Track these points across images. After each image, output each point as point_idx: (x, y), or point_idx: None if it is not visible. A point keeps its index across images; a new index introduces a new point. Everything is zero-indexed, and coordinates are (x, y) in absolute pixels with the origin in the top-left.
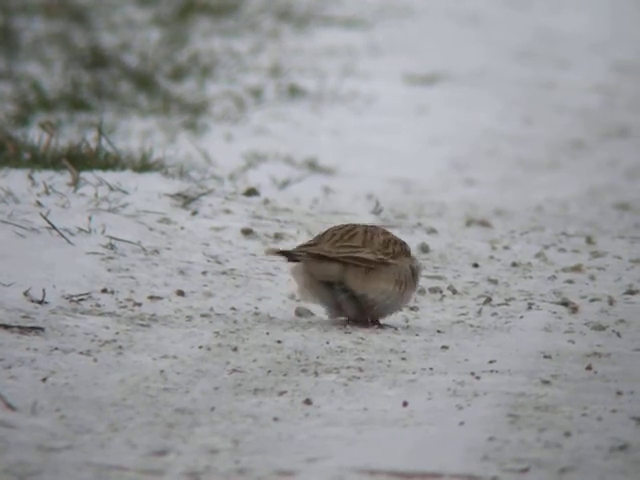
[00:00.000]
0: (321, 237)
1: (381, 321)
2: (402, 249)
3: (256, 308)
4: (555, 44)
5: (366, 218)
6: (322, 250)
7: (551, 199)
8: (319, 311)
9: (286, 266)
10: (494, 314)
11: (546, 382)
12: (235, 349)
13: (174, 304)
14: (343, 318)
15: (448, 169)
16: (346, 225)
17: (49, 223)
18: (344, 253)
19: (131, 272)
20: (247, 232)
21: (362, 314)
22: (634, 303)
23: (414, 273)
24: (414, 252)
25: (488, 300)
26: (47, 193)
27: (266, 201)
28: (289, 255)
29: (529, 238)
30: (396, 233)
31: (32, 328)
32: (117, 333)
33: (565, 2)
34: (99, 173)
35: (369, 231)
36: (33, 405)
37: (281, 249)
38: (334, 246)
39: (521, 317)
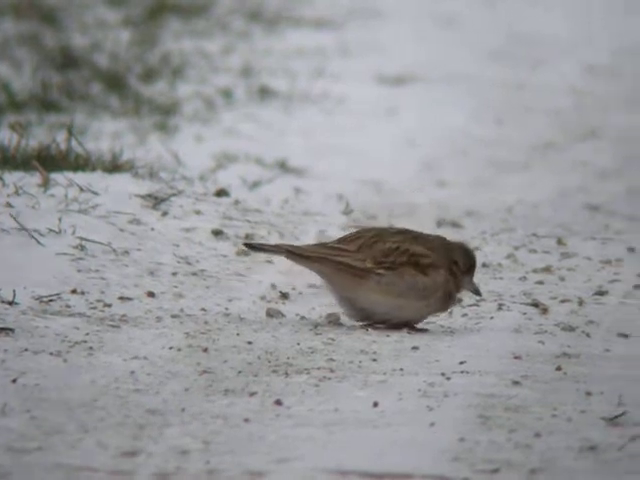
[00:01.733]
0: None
1: (417, 326)
2: (411, 260)
3: (226, 309)
4: (528, 46)
5: (337, 219)
6: (296, 248)
7: (522, 200)
8: (290, 312)
9: (257, 267)
10: (464, 315)
11: (516, 383)
12: (206, 350)
13: (144, 305)
14: (362, 322)
15: (419, 170)
16: (369, 229)
17: (19, 224)
18: (321, 254)
19: (101, 273)
20: (217, 233)
21: (366, 318)
22: (604, 304)
23: (419, 285)
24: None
25: (459, 301)
26: (17, 194)
27: (236, 202)
28: (261, 249)
29: (500, 239)
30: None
31: (2, 329)
32: (87, 334)
33: (539, 4)
34: (69, 174)
35: (378, 235)
36: (3, 406)
37: (252, 243)
38: (327, 245)
39: (491, 318)
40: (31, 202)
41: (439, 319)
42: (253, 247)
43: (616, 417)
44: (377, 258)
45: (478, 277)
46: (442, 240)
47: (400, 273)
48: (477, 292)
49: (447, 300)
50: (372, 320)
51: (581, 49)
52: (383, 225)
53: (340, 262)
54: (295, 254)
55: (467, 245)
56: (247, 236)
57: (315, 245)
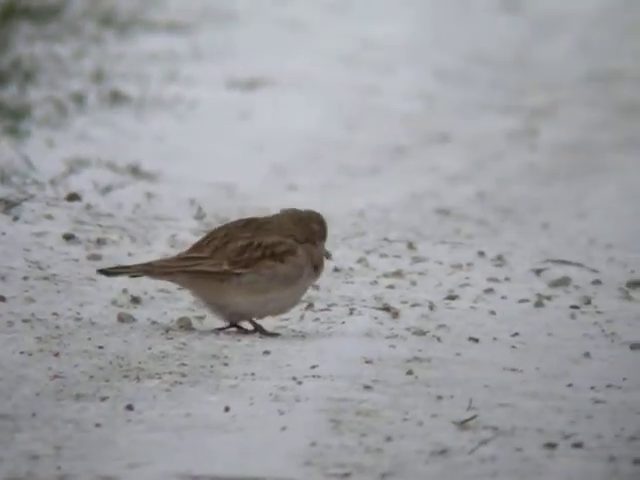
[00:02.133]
0: (193, 246)
1: (258, 321)
2: (266, 252)
3: (78, 313)
4: (378, 50)
5: (189, 223)
6: (152, 266)
7: (373, 205)
8: (141, 316)
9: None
10: (316, 319)
11: (367, 387)
12: (57, 354)
13: None
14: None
15: (271, 174)
16: (218, 229)
17: None
18: (180, 268)
19: None
20: (69, 237)
21: (241, 319)
22: (454, 308)
23: (280, 275)
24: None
25: (310, 305)
26: None
27: (88, 206)
28: (118, 273)
29: (351, 243)
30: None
31: None
32: None
33: (387, 10)
34: None
35: (229, 235)
36: None
37: (110, 268)
38: (182, 257)
39: (343, 322)
40: None
41: (290, 323)
42: (109, 272)
43: (466, 421)
44: (232, 258)
45: (330, 281)
46: (293, 214)
47: (258, 268)
48: (328, 256)
49: (317, 271)
50: (248, 319)
51: (432, 54)
52: (232, 220)
53: (198, 271)
54: (153, 272)
55: (317, 212)
56: (99, 240)
57: (170, 259)
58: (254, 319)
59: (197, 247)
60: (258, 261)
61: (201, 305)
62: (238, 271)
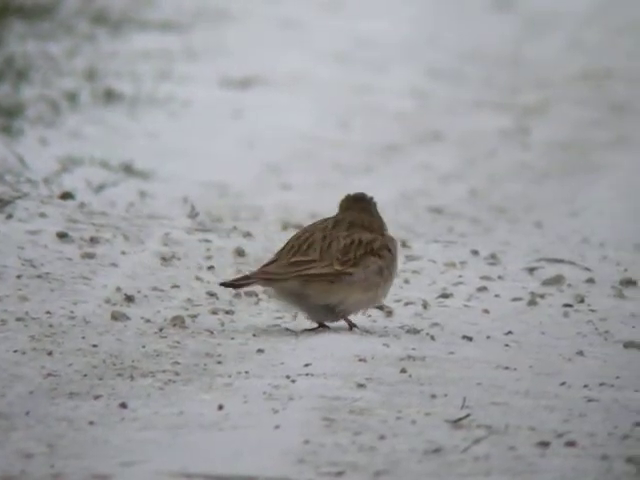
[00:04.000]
0: (281, 251)
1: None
2: (367, 249)
3: (72, 312)
4: (371, 49)
5: (182, 222)
6: (272, 274)
7: None
8: (135, 315)
9: (102, 270)
10: (309, 318)
11: (361, 385)
12: (50, 353)
13: None
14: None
15: (264, 173)
16: (305, 232)
17: None
18: (295, 273)
19: None
20: (62, 236)
21: (336, 320)
22: (448, 306)
23: (383, 269)
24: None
25: None
26: None
27: (82, 205)
28: (241, 284)
29: None
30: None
31: None
32: None
33: (381, 8)
34: None
35: (328, 236)
36: None
37: (232, 280)
38: (289, 262)
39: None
40: None
41: (284, 322)
42: (229, 285)
43: (460, 419)
44: (340, 259)
45: None
46: (376, 215)
47: (365, 266)
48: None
49: (395, 258)
50: (349, 316)
51: (425, 52)
52: (314, 222)
53: (312, 274)
54: (272, 280)
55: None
56: (92, 239)
57: (279, 266)
58: (350, 317)
59: (299, 251)
60: (363, 258)
61: (291, 309)
62: (349, 270)
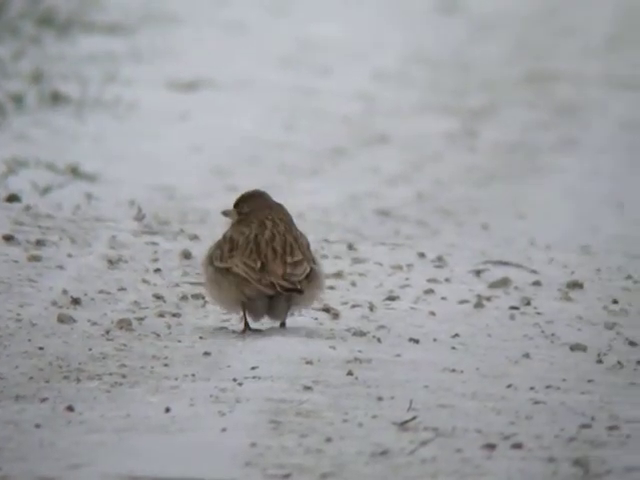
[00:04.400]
0: (264, 256)
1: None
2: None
3: (18, 315)
4: (316, 52)
5: (129, 225)
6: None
7: (313, 206)
8: (81, 317)
9: (49, 273)
10: (271, 319)
11: (308, 388)
12: None
13: None
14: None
15: (210, 175)
16: (273, 236)
17: None
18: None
19: None
20: (8, 238)
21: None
22: (394, 309)
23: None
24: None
25: None
26: None
27: (27, 207)
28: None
29: None
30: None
31: None
32: None
33: (326, 11)
34: None
35: (291, 236)
36: None
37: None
38: (287, 267)
39: (282, 323)
40: None
41: (231, 324)
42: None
43: (407, 422)
44: (310, 256)
45: None
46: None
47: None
48: None
49: None
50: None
51: (371, 55)
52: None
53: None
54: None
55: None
56: (38, 242)
57: (296, 272)
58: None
59: (265, 258)
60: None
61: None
62: (314, 266)
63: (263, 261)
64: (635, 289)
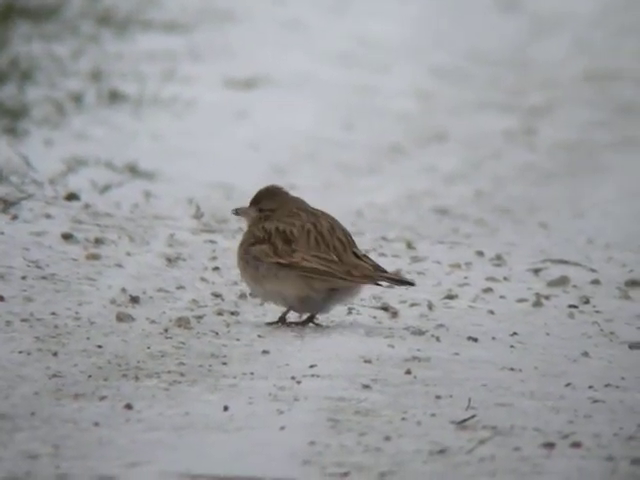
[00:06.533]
0: (332, 247)
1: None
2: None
3: (77, 313)
4: (375, 50)
5: (187, 223)
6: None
7: (371, 204)
8: (140, 316)
9: (107, 271)
10: (314, 319)
11: (366, 386)
12: (55, 354)
13: None
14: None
15: (269, 174)
16: (331, 226)
17: None
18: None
19: None
20: (67, 237)
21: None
22: (453, 308)
23: None
24: None
25: None
26: None
27: (86, 206)
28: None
29: None
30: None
31: None
32: None
33: (385, 9)
34: None
35: (339, 231)
36: None
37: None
38: (366, 259)
39: (341, 322)
40: None
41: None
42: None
43: (465, 420)
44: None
45: None
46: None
47: None
48: None
49: None
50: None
51: (429, 53)
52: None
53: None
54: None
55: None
56: (97, 240)
57: (372, 266)
58: None
59: (334, 250)
60: None
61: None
62: None
63: (337, 254)
64: None
